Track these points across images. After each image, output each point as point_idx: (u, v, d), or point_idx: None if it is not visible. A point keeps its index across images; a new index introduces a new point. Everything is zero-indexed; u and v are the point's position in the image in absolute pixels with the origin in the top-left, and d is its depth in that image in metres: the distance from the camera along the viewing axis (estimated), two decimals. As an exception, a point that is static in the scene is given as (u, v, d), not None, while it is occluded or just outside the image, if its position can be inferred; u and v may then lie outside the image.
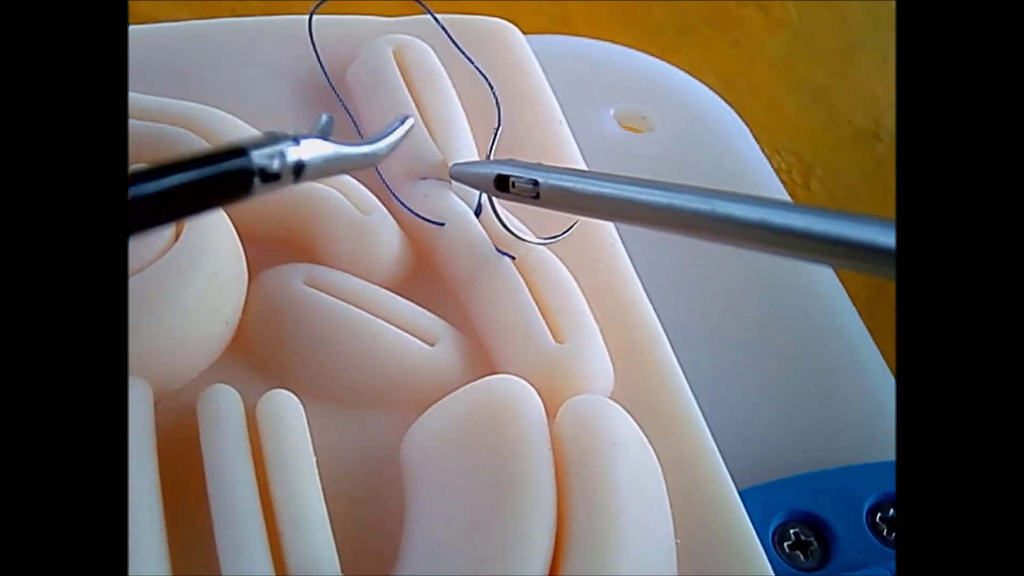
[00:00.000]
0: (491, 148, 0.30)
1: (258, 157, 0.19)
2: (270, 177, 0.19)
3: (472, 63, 0.32)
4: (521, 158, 0.27)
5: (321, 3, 0.32)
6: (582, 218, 0.29)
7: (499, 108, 0.30)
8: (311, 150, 0.20)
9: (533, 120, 0.33)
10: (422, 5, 0.32)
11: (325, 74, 0.32)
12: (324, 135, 0.21)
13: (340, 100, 0.32)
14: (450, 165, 0.29)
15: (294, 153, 0.19)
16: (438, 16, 0.34)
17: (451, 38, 0.32)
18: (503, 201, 0.28)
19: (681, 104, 0.47)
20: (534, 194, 0.25)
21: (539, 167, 0.26)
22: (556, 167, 0.25)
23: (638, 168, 0.43)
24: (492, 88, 0.31)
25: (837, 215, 0.18)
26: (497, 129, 0.30)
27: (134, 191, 0.17)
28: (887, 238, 0.17)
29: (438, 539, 0.22)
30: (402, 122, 0.23)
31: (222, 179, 0.18)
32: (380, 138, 0.22)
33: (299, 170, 0.20)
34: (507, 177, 0.26)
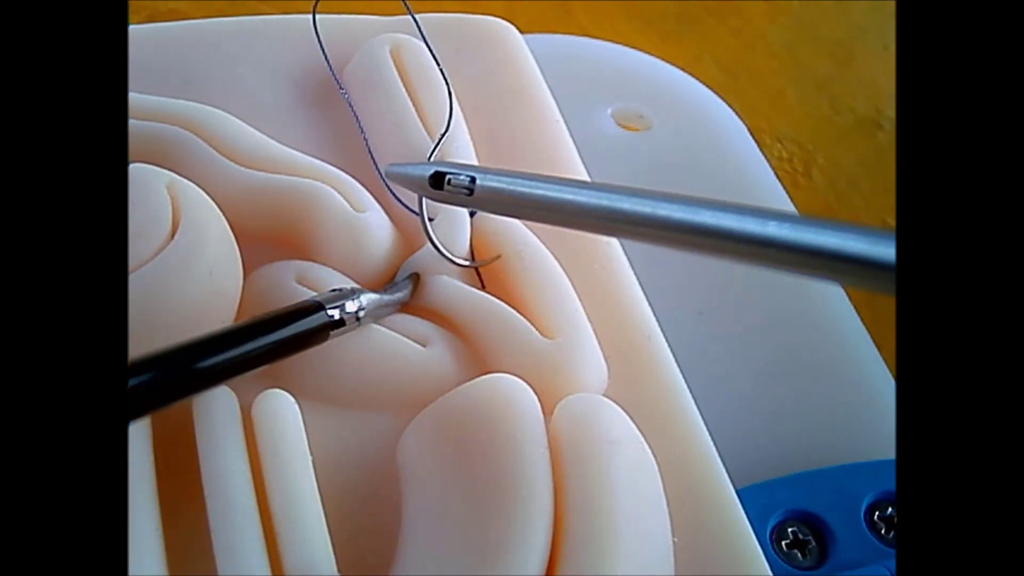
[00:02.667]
0: (433, 151, 0.29)
1: (330, 310, 0.24)
2: (338, 324, 0.24)
3: (437, 62, 0.31)
4: (510, 157, 0.27)
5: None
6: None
7: (452, 110, 0.30)
8: (366, 300, 0.25)
9: (530, 119, 0.33)
10: (405, 5, 0.32)
11: (331, 69, 0.32)
12: (385, 291, 0.26)
13: (348, 103, 0.32)
14: (384, 167, 0.27)
15: (352, 305, 0.25)
16: (438, 14, 0.34)
17: (424, 36, 0.32)
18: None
19: (678, 103, 0.47)
20: (468, 191, 0.24)
21: (476, 167, 0.25)
22: (494, 168, 0.24)
23: (636, 166, 0.43)
24: (449, 87, 0.31)
25: (823, 224, 0.17)
26: (444, 133, 0.29)
27: (238, 351, 0.22)
28: (887, 248, 0.16)
29: (434, 539, 0.22)
30: (408, 278, 0.28)
31: (307, 333, 0.23)
32: (402, 288, 0.27)
33: (359, 316, 0.25)
34: (443, 174, 0.25)
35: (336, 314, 0.24)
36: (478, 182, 0.24)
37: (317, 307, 0.24)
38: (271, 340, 0.22)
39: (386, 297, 0.26)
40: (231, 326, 0.22)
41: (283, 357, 0.23)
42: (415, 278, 0.27)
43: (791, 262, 0.18)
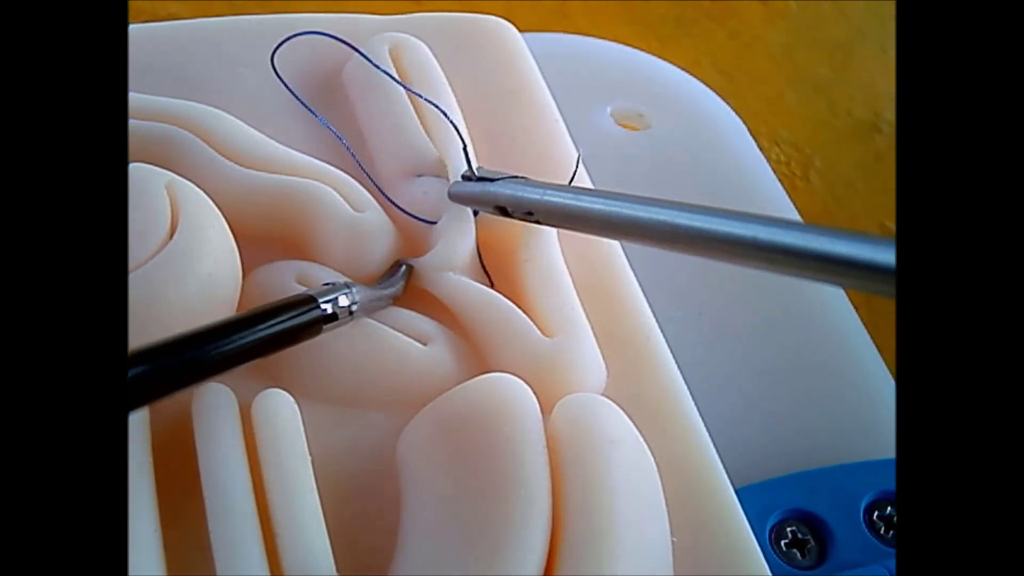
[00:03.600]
0: (469, 161, 0.30)
1: (323, 303, 0.24)
2: (331, 318, 0.24)
3: (378, 67, 0.31)
4: (510, 156, 0.27)
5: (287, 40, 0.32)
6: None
7: (457, 129, 0.30)
8: (359, 294, 0.25)
9: (530, 118, 0.33)
10: None
11: (299, 98, 0.32)
12: (378, 285, 0.27)
13: (313, 111, 0.32)
14: (449, 188, 0.29)
15: (346, 299, 0.25)
16: (437, 14, 0.34)
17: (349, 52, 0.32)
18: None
19: (678, 102, 0.47)
20: (534, 220, 0.26)
21: (530, 185, 0.26)
22: (550, 187, 0.25)
23: (635, 165, 0.43)
24: (423, 97, 0.31)
25: (826, 232, 0.18)
26: (465, 148, 0.29)
27: (230, 344, 0.21)
28: (887, 255, 0.17)
29: (433, 538, 0.22)
30: (400, 267, 0.28)
31: (299, 327, 0.23)
32: (395, 282, 0.27)
33: (352, 310, 0.25)
34: (504, 208, 0.27)
35: (329, 308, 0.24)
36: (537, 214, 0.26)
37: (309, 300, 0.24)
38: (263, 333, 0.22)
39: (379, 291, 0.26)
40: (224, 319, 0.22)
41: (276, 351, 0.23)
42: (408, 271, 0.27)
43: (810, 268, 0.18)
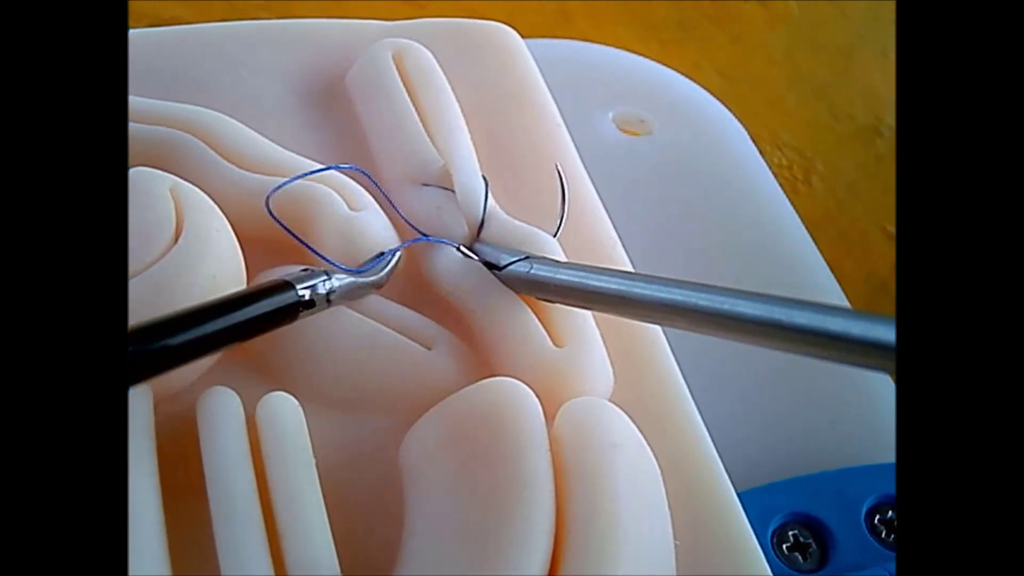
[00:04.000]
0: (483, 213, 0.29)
1: (301, 289, 0.24)
2: (308, 305, 0.24)
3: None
4: (511, 161, 0.27)
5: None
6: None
7: (488, 191, 0.29)
8: (337, 281, 0.25)
9: (532, 123, 0.33)
10: None
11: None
12: (357, 272, 0.26)
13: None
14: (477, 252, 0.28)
15: (325, 285, 0.25)
16: (440, 19, 0.34)
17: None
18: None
19: (679, 107, 0.47)
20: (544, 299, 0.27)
21: (542, 268, 0.26)
22: (576, 269, 0.26)
23: (637, 170, 0.43)
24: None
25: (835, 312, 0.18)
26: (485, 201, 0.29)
27: (203, 329, 0.22)
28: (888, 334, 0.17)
29: (437, 542, 0.22)
30: (392, 253, 0.27)
31: (276, 311, 0.24)
32: (382, 268, 0.27)
33: (329, 297, 0.25)
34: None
35: (306, 294, 0.24)
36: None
37: (286, 286, 0.24)
38: (239, 318, 0.23)
39: (359, 279, 0.26)
40: (198, 304, 0.22)
41: (252, 336, 0.23)
42: (396, 258, 0.27)
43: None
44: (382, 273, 0.27)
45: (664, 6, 0.61)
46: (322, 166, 0.29)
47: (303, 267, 0.25)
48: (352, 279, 0.26)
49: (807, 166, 0.53)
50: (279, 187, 0.27)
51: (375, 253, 0.27)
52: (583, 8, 0.60)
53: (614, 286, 0.24)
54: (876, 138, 0.55)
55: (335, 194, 0.28)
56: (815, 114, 0.56)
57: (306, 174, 0.28)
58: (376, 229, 0.28)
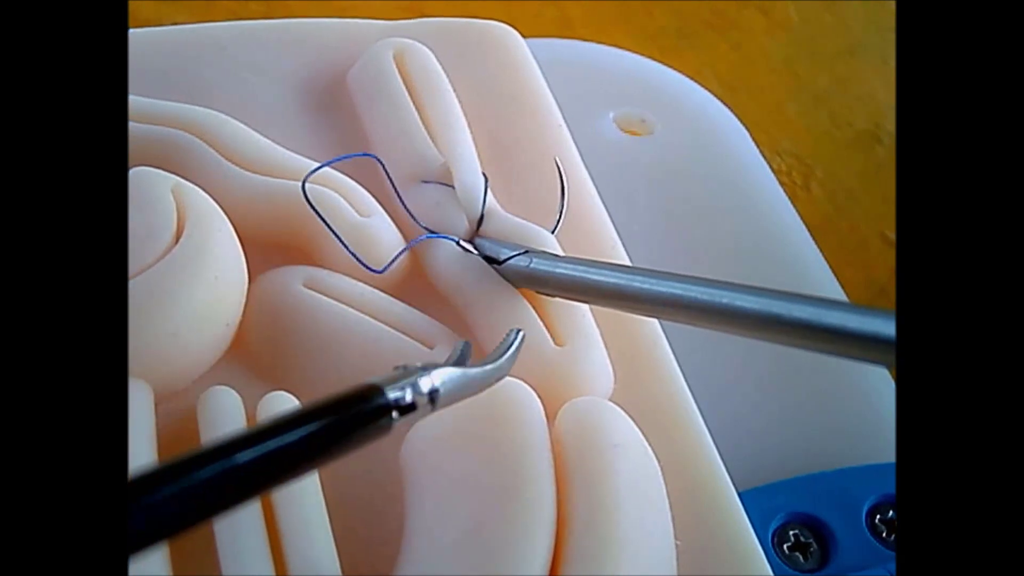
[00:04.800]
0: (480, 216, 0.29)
1: (392, 392, 0.19)
2: (407, 409, 0.19)
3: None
4: (513, 161, 0.27)
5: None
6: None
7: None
8: (442, 376, 0.20)
9: (533, 123, 0.33)
10: None
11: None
12: (461, 362, 0.22)
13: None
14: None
15: (426, 383, 0.20)
16: (441, 19, 0.34)
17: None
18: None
19: (681, 108, 0.47)
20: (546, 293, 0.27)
21: (542, 262, 0.26)
22: (559, 263, 0.26)
23: (638, 171, 0.43)
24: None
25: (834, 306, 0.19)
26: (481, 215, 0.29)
27: (264, 447, 0.17)
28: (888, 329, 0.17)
29: (438, 541, 0.22)
30: (516, 334, 0.24)
31: (361, 419, 0.19)
32: (500, 355, 0.23)
33: (433, 397, 0.20)
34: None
35: (398, 395, 0.19)
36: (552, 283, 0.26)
37: (373, 390, 0.19)
38: (307, 431, 0.17)
39: (472, 371, 0.22)
40: (244, 430, 0.17)
41: (336, 456, 0.18)
42: (521, 339, 0.24)
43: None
44: (502, 360, 0.23)
45: (664, 13, 0.61)
46: (338, 156, 0.29)
47: (396, 365, 0.21)
48: (464, 373, 0.21)
49: (807, 172, 0.53)
50: (314, 171, 0.27)
51: (386, 250, 0.27)
52: (583, 15, 0.60)
53: (613, 280, 0.24)
54: (876, 145, 0.55)
55: (342, 199, 0.28)
56: (815, 121, 0.56)
57: (333, 161, 0.28)
58: (387, 236, 0.28)
